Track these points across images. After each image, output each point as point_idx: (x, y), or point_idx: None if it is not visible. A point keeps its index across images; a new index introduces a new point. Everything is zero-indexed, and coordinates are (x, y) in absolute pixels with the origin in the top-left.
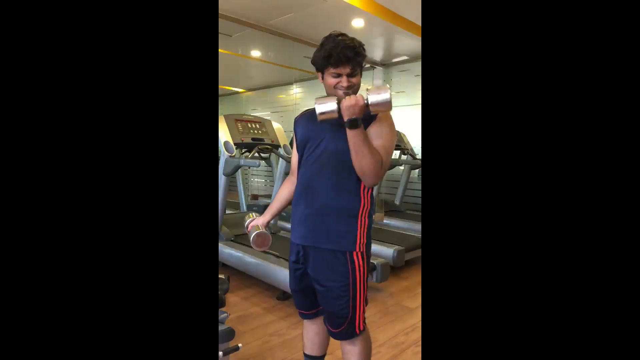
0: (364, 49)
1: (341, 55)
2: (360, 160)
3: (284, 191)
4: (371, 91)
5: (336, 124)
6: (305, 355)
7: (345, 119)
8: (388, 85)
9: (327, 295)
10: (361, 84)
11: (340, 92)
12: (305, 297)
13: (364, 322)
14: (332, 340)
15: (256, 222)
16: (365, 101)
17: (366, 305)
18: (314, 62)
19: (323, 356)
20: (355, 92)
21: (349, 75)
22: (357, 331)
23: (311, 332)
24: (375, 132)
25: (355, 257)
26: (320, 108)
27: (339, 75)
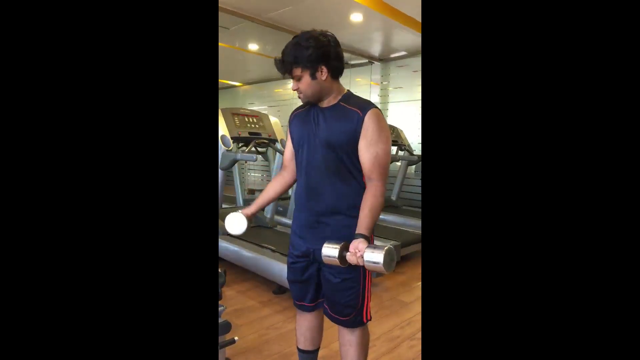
0: (304, 48)
1: (278, 64)
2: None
3: (274, 186)
4: (368, 249)
5: (330, 121)
6: (299, 349)
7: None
8: (387, 246)
9: (340, 286)
10: (359, 80)
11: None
12: (304, 290)
13: (370, 312)
14: (326, 333)
15: (240, 211)
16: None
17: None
18: None
19: (317, 350)
20: (312, 95)
21: (297, 79)
22: (365, 320)
23: (304, 327)
24: (367, 142)
25: None
26: (325, 251)
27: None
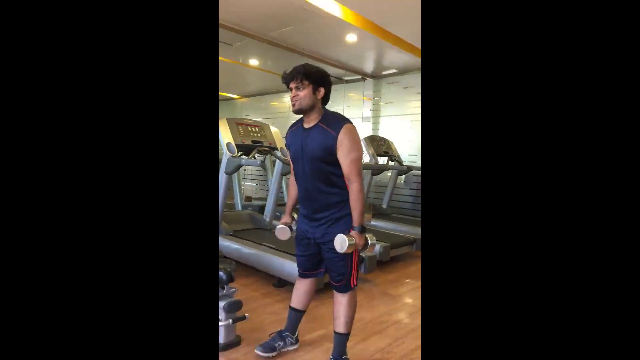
0: (316, 70)
1: (289, 73)
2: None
3: (293, 191)
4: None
5: (312, 140)
6: (291, 307)
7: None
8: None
9: (334, 259)
10: (352, 95)
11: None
12: (308, 262)
13: (357, 279)
14: (326, 317)
15: (281, 221)
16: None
17: (358, 275)
18: None
19: (303, 311)
20: (305, 106)
21: (296, 89)
22: (352, 285)
23: (300, 290)
24: (344, 153)
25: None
26: (337, 246)
27: (291, 90)
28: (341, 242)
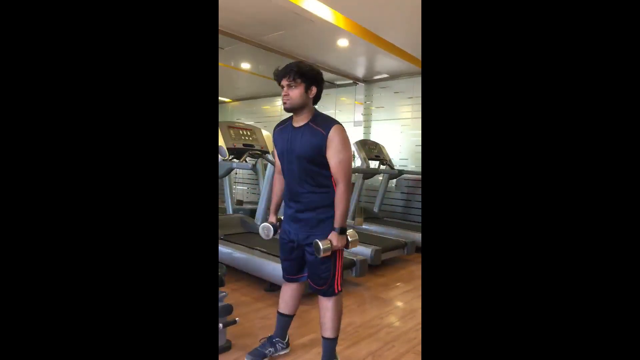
0: (309, 69)
1: (277, 72)
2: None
3: (278, 189)
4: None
5: (301, 139)
6: (279, 313)
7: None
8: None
9: (315, 261)
10: (344, 99)
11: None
12: (292, 266)
13: (340, 285)
14: (317, 320)
15: (268, 222)
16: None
17: (342, 281)
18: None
19: (292, 316)
20: (297, 104)
21: (288, 87)
22: (335, 290)
23: (287, 294)
24: (333, 152)
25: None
26: (318, 248)
27: (283, 88)
28: (316, 248)
